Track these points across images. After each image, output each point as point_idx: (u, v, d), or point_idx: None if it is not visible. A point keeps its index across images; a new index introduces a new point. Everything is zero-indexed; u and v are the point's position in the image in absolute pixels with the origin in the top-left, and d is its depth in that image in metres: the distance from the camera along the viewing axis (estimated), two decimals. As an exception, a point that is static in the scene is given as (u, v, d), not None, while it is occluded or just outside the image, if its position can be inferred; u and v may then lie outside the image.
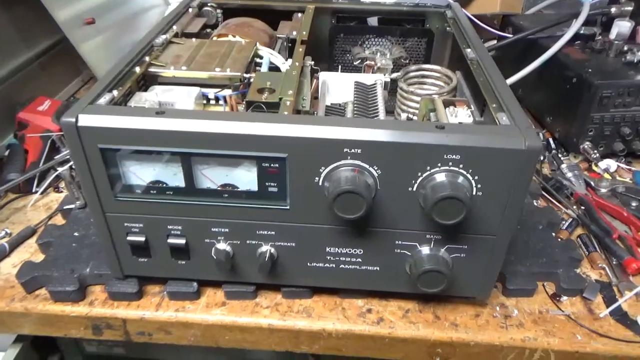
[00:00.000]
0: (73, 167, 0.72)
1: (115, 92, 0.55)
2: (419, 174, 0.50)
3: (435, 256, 0.55)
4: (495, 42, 1.10)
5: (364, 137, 0.48)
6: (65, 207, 0.73)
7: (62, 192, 0.80)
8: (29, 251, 0.69)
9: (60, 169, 0.77)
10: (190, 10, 0.83)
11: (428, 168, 0.49)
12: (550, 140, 0.93)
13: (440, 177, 0.49)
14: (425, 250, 0.55)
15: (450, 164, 0.49)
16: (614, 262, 0.67)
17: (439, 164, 0.49)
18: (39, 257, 0.66)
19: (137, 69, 0.62)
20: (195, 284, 0.62)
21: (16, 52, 0.94)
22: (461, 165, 0.49)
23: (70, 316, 0.61)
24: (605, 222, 0.72)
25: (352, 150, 0.49)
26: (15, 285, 0.63)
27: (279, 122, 0.49)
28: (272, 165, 0.51)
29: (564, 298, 0.63)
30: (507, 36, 1.03)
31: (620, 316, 0.61)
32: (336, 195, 0.48)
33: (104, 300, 0.62)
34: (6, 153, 0.83)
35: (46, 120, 0.87)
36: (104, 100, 0.53)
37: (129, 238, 0.57)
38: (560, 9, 1.21)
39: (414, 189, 0.51)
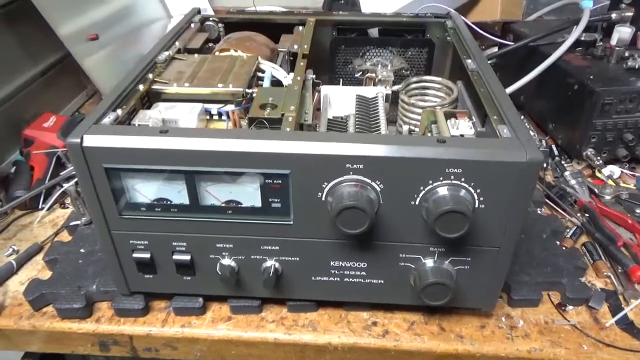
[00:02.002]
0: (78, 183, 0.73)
1: (119, 111, 0.56)
2: (421, 188, 0.50)
3: (439, 269, 0.55)
4: (496, 49, 1.11)
5: (365, 152, 0.48)
6: (71, 224, 0.74)
7: (68, 208, 0.81)
8: (36, 268, 0.70)
9: (66, 185, 0.78)
10: (192, 25, 0.84)
11: (430, 182, 0.49)
12: (553, 147, 0.92)
13: (443, 191, 0.49)
14: (429, 262, 0.56)
15: (452, 177, 0.49)
16: (619, 270, 0.67)
17: (441, 178, 0.49)
18: (46, 274, 0.67)
19: (141, 87, 0.62)
20: (200, 299, 0.62)
21: (22, 69, 0.95)
22: (463, 179, 0.49)
23: (78, 333, 0.61)
24: (609, 230, 0.72)
25: (354, 166, 0.49)
26: (22, 303, 0.63)
27: (281, 139, 0.49)
28: (275, 181, 0.51)
29: (570, 307, 0.63)
30: (508, 43, 1.03)
31: (627, 325, 0.60)
32: (339, 211, 0.49)
33: (110, 316, 0.62)
34: (12, 170, 0.84)
35: (51, 136, 0.87)
36: (108, 119, 0.54)
37: (134, 255, 0.57)
38: (561, 14, 1.21)
39: (417, 202, 0.51)
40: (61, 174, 0.82)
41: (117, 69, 1.02)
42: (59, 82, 1.05)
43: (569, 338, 0.59)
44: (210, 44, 0.85)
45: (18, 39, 0.95)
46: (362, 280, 0.58)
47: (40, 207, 0.80)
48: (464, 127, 0.59)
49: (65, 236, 0.74)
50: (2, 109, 0.88)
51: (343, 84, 0.84)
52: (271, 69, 0.71)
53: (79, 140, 0.49)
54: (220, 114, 0.65)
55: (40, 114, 0.92)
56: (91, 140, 0.50)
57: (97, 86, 0.99)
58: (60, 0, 0.91)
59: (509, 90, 0.90)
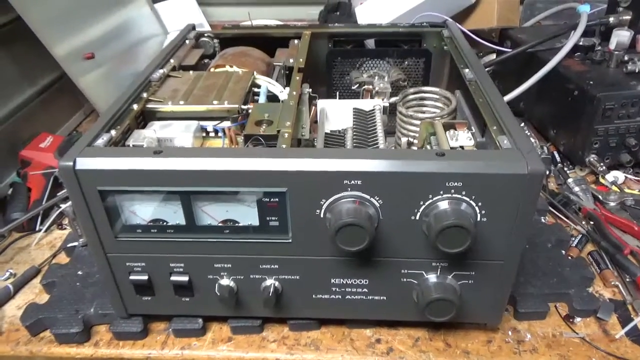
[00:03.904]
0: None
1: (113, 132, 0.55)
2: (422, 203, 0.49)
3: (442, 284, 0.54)
4: (494, 56, 1.10)
5: (363, 168, 0.47)
6: (68, 245, 0.73)
7: (65, 229, 0.80)
8: (34, 292, 0.69)
9: (63, 206, 0.77)
10: (187, 42, 0.84)
11: (430, 196, 0.48)
12: (555, 153, 0.91)
13: (443, 205, 0.48)
14: (432, 278, 0.54)
15: (453, 191, 0.48)
16: (627, 279, 0.66)
17: (441, 192, 0.48)
18: (44, 298, 0.66)
19: (135, 106, 0.62)
20: (200, 320, 0.61)
21: (18, 90, 0.95)
22: (464, 192, 0.48)
23: (76, 358, 0.60)
24: (615, 238, 0.70)
25: (353, 182, 0.48)
26: (20, 328, 0.62)
27: (277, 156, 0.48)
28: (272, 199, 0.50)
29: (578, 319, 0.62)
30: (505, 50, 1.03)
31: (637, 337, 0.59)
32: (338, 228, 0.47)
33: (109, 340, 0.61)
34: (9, 192, 0.84)
35: (48, 156, 0.87)
36: (101, 141, 0.53)
37: (131, 277, 0.56)
38: (558, 19, 1.20)
39: (417, 217, 0.50)
40: (58, 194, 0.81)
41: (114, 87, 1.02)
42: (55, 101, 1.05)
43: (578, 351, 0.58)
44: (206, 60, 0.84)
45: (14, 60, 0.94)
46: (364, 297, 0.57)
47: (37, 228, 0.79)
48: (463, 138, 0.58)
49: (63, 258, 0.73)
50: (-1, 130, 0.88)
51: (340, 97, 0.84)
52: (267, 84, 0.71)
53: (71, 163, 0.48)
54: (216, 131, 0.64)
55: (37, 135, 0.91)
56: (84, 163, 0.49)
57: (94, 105, 0.98)
58: (54, 20, 0.91)
59: (509, 97, 0.90)
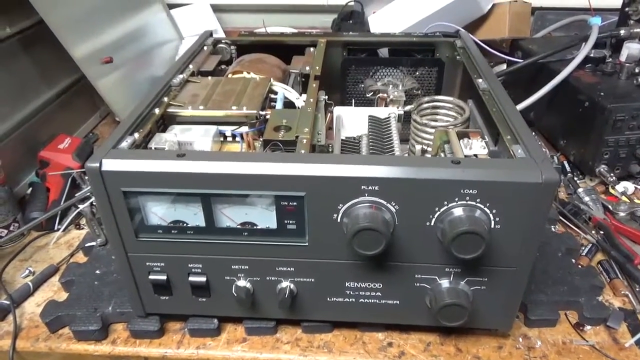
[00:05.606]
0: (93, 204, 0.74)
1: (136, 135, 0.57)
2: (437, 209, 0.50)
3: (455, 289, 0.55)
4: (504, 66, 1.11)
5: (380, 174, 0.49)
6: (86, 245, 0.74)
7: (83, 229, 0.81)
8: (52, 289, 0.70)
9: (81, 206, 0.78)
10: (205, 48, 0.85)
11: (445, 203, 0.50)
12: (565, 163, 0.92)
13: (458, 212, 0.49)
14: (445, 283, 0.55)
15: (468, 198, 0.49)
16: (637, 289, 0.67)
17: (456, 199, 0.49)
18: (62, 296, 0.67)
19: (157, 110, 0.63)
20: (215, 320, 0.62)
21: (37, 92, 0.97)
22: (478, 200, 0.49)
23: (94, 355, 0.62)
24: (625, 248, 0.71)
25: (370, 187, 0.49)
26: (39, 324, 0.64)
27: (296, 161, 0.50)
28: (290, 203, 0.51)
29: (588, 327, 0.62)
30: (516, 60, 1.04)
31: (647, 345, 0.60)
32: (355, 233, 0.49)
33: (126, 338, 0.62)
34: (28, 191, 0.86)
35: (67, 158, 0.88)
36: (125, 143, 0.55)
37: (150, 277, 0.58)
38: (569, 31, 1.22)
39: (432, 223, 0.51)
40: (76, 195, 0.82)
41: (130, 91, 1.04)
42: (73, 104, 1.07)
43: (588, 359, 0.58)
44: (223, 66, 0.86)
45: (34, 63, 0.97)
46: (378, 301, 0.58)
47: (55, 228, 0.81)
48: (477, 146, 0.59)
49: (80, 257, 0.75)
50: (19, 131, 0.90)
51: (355, 104, 0.85)
52: (284, 91, 0.72)
53: (97, 164, 0.50)
54: (234, 136, 0.66)
55: (55, 136, 0.93)
56: (110, 165, 0.50)
57: (111, 107, 1.00)
58: (75, 23, 0.93)
59: (519, 107, 0.90)
